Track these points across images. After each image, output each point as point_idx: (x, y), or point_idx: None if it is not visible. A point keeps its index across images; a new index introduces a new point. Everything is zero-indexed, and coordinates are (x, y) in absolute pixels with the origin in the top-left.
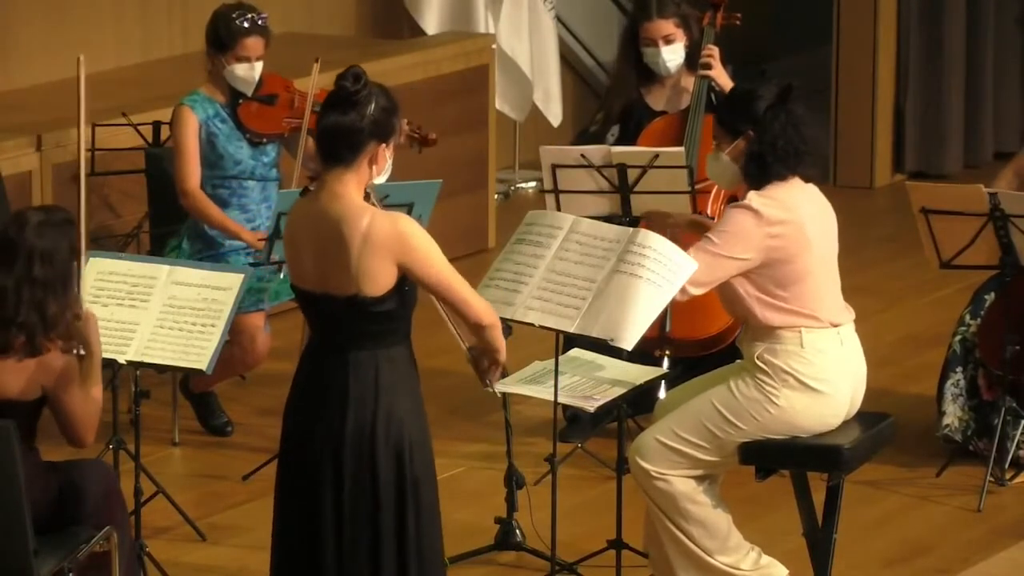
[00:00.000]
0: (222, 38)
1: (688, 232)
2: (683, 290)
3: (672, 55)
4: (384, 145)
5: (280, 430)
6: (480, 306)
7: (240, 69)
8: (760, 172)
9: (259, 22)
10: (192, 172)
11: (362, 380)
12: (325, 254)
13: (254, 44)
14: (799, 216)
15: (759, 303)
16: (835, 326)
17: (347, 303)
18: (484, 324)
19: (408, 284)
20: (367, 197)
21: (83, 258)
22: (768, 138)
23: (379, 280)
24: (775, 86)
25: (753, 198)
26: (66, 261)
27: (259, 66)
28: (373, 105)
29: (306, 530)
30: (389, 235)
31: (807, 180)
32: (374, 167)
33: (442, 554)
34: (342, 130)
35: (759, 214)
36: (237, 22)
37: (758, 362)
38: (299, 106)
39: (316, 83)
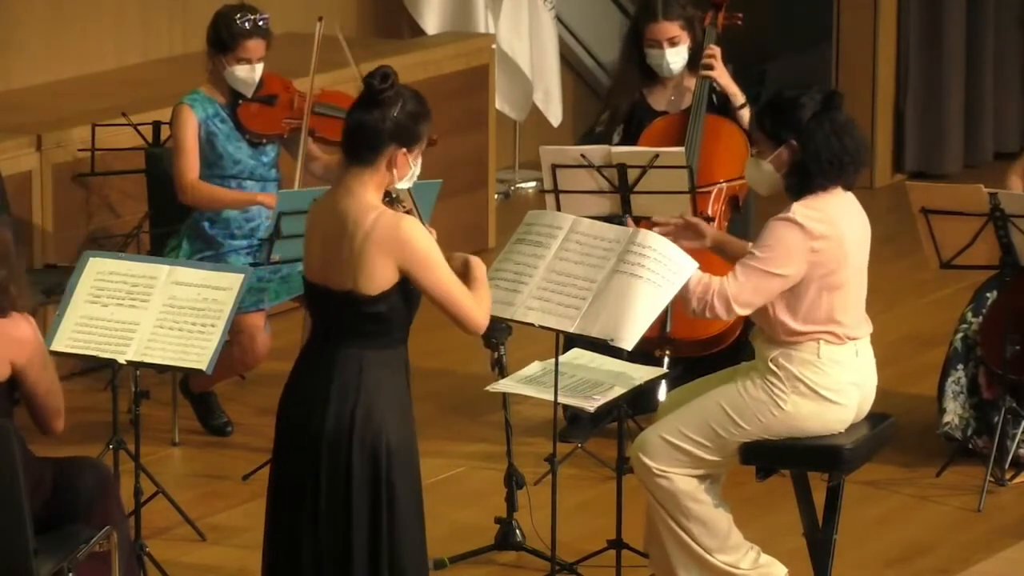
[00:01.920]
0: (223, 39)
1: (713, 255)
2: (730, 310)
3: (676, 57)
4: (405, 150)
5: None
6: (477, 317)
7: (241, 71)
8: (802, 183)
9: (260, 24)
10: (191, 166)
11: (345, 377)
12: (329, 246)
13: (255, 46)
14: (840, 230)
15: (784, 312)
16: (852, 340)
17: (342, 298)
18: (480, 333)
19: (408, 291)
20: (392, 202)
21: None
22: (811, 149)
23: (376, 278)
24: (819, 92)
25: (797, 211)
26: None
27: (260, 68)
28: (398, 108)
29: (289, 526)
30: (391, 235)
31: (847, 188)
32: (394, 171)
33: (423, 559)
34: (362, 129)
35: (804, 228)
36: (239, 24)
37: (771, 365)
38: (299, 106)
39: (319, 42)
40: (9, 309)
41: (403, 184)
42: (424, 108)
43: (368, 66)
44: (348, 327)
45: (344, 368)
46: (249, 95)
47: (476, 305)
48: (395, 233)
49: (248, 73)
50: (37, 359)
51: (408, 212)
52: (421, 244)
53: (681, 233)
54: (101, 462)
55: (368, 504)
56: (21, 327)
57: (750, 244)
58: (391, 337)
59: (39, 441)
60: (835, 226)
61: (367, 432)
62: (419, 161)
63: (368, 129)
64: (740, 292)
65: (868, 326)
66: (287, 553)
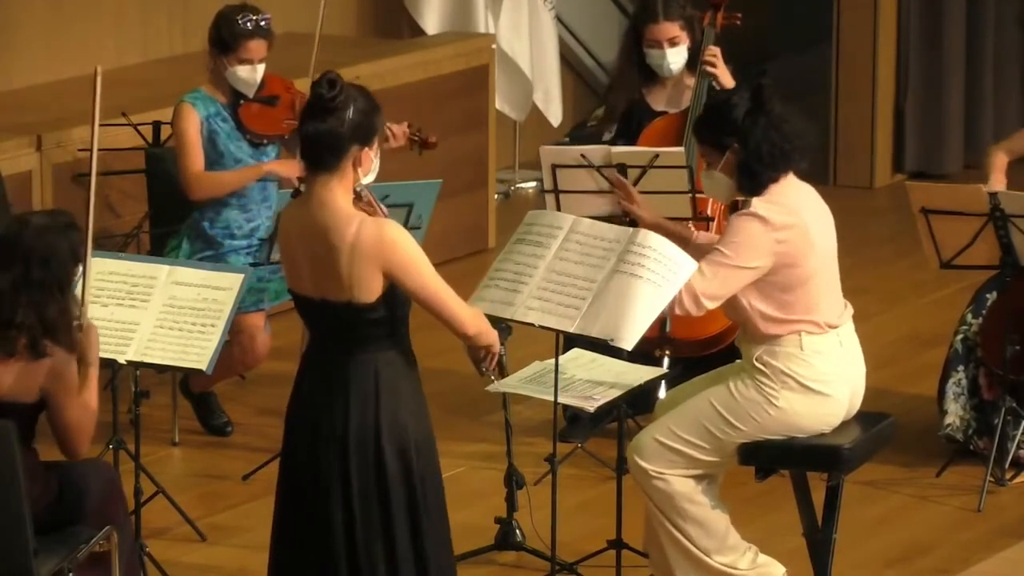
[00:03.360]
0: (225, 40)
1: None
2: (699, 304)
3: (676, 57)
4: (367, 147)
5: (280, 430)
6: (464, 316)
7: (242, 71)
8: (752, 182)
9: (262, 24)
10: (196, 159)
11: (363, 382)
12: (318, 262)
13: (257, 47)
14: (803, 219)
15: (761, 309)
16: (833, 328)
17: (344, 309)
18: (469, 335)
19: (398, 289)
20: (359, 198)
21: (88, 263)
22: (752, 147)
23: (370, 287)
24: (746, 90)
25: (758, 205)
26: (65, 264)
27: (261, 68)
28: (351, 109)
29: (315, 533)
30: (375, 242)
31: (800, 176)
32: (359, 169)
33: (452, 550)
34: (322, 137)
35: (766, 220)
36: (240, 24)
37: (757, 364)
38: (300, 107)
39: (319, 37)
40: (49, 351)
41: (367, 179)
42: (374, 102)
43: (368, 66)
44: (354, 335)
45: (360, 374)
46: (251, 95)
47: (464, 307)
48: (379, 239)
49: (250, 74)
50: (63, 387)
51: (369, 204)
52: (405, 248)
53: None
54: (106, 464)
55: (405, 500)
56: (63, 363)
57: (716, 239)
58: (396, 336)
59: (41, 441)
60: (797, 215)
61: (393, 433)
62: (379, 153)
63: (328, 136)
64: (707, 287)
65: (848, 311)
66: (309, 560)
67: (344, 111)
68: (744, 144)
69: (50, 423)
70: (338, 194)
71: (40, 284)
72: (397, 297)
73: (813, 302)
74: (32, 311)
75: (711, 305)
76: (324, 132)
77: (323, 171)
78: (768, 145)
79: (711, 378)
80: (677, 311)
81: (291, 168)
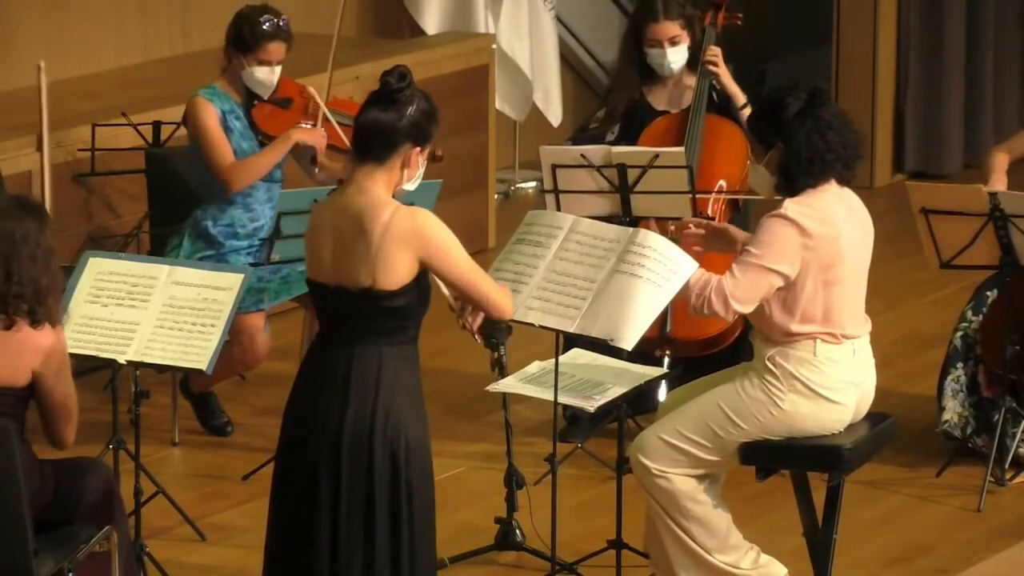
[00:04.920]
0: (246, 40)
1: (729, 252)
2: (727, 306)
3: (677, 56)
4: (419, 149)
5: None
6: (502, 301)
7: (260, 72)
8: (788, 183)
9: (282, 26)
10: (225, 151)
11: (364, 374)
12: (344, 245)
13: (277, 48)
14: (836, 228)
15: (781, 312)
16: (849, 339)
17: (360, 296)
18: (505, 317)
19: (422, 285)
20: None
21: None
22: (792, 149)
23: (396, 273)
24: (804, 91)
25: (790, 207)
26: (47, 238)
27: (278, 70)
28: (414, 107)
29: (302, 523)
30: (409, 228)
31: (844, 183)
32: (405, 171)
33: (435, 557)
34: (379, 127)
35: (797, 224)
36: (262, 25)
37: (768, 364)
38: (313, 112)
39: (329, 91)
40: (44, 320)
41: (410, 185)
42: (435, 109)
43: (368, 66)
44: (365, 325)
45: (362, 365)
46: (266, 97)
47: (498, 290)
48: (413, 226)
49: (267, 75)
50: (54, 367)
51: None
52: (440, 235)
53: (712, 239)
54: (103, 463)
55: (388, 499)
56: (47, 337)
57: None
58: (406, 333)
59: (41, 441)
60: (831, 224)
61: (387, 429)
62: (425, 163)
63: (385, 127)
64: (736, 287)
65: (867, 325)
66: (293, 549)
67: (407, 105)
68: (786, 146)
69: (40, 407)
70: (380, 184)
71: (31, 257)
72: (420, 294)
73: (834, 311)
74: (28, 281)
75: (740, 308)
76: (383, 121)
77: (370, 161)
78: (809, 151)
79: (717, 378)
80: (706, 311)
81: (315, 136)
